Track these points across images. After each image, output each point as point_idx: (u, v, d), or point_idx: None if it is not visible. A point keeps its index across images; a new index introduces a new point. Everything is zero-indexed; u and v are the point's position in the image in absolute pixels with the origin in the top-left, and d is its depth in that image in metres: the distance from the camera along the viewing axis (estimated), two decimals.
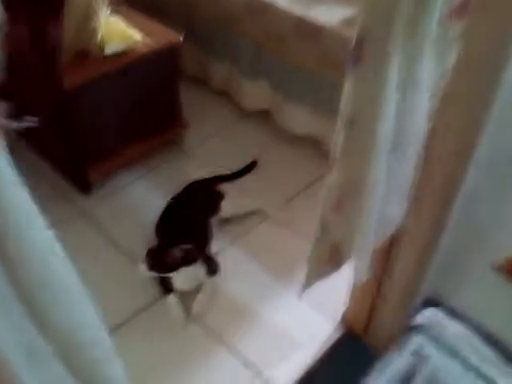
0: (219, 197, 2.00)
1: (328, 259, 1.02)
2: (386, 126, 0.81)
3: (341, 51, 1.90)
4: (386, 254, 1.32)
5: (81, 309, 0.74)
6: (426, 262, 1.36)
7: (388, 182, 0.89)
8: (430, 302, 1.69)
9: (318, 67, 2.04)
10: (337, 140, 0.88)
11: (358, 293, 1.57)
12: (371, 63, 0.77)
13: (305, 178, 2.18)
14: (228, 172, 2.16)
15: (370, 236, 0.94)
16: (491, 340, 1.55)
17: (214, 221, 1.94)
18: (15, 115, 0.74)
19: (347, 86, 0.82)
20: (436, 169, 1.00)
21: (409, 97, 0.83)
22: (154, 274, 1.68)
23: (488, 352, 1.55)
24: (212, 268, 1.78)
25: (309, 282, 1.09)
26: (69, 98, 1.81)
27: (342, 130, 0.87)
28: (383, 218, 0.95)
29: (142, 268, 1.64)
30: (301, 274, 1.82)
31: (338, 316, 1.71)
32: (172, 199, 1.98)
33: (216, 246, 1.91)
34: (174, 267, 1.65)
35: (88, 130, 1.96)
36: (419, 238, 1.24)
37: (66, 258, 0.73)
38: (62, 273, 0.72)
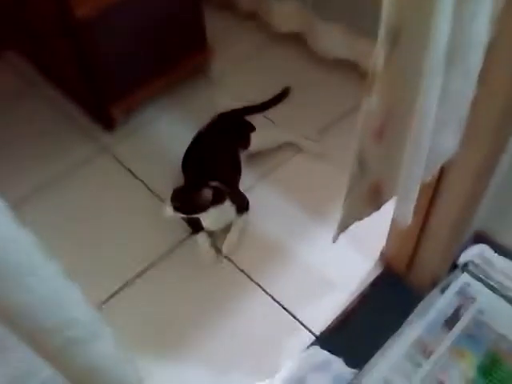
0: (249, 128, 1.86)
1: (367, 199, 0.89)
2: (440, 35, 0.65)
3: None
4: (433, 186, 1.18)
5: (48, 283, 0.63)
6: (478, 195, 1.22)
7: (442, 106, 0.74)
8: (478, 238, 1.56)
9: None
10: (378, 53, 0.72)
11: (399, 228, 1.44)
12: None
13: (341, 106, 2.02)
14: (258, 102, 2.01)
15: (417, 171, 0.80)
16: None
17: (243, 155, 1.82)
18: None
19: None
20: (496, 85, 0.84)
21: None
22: (180, 215, 1.59)
23: None
24: (241, 206, 1.68)
25: (344, 224, 0.97)
26: (83, 27, 1.67)
27: (385, 41, 0.71)
28: (434, 149, 0.80)
29: (168, 211, 1.55)
30: (336, 211, 1.73)
31: (377, 254, 1.60)
32: (199, 133, 1.85)
33: (245, 182, 1.80)
34: (202, 208, 1.55)
35: (107, 63, 1.83)
36: (472, 167, 1.09)
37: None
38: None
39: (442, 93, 0.72)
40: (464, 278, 1.51)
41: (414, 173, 0.80)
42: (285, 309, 1.53)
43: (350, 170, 0.87)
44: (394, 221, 1.46)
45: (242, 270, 1.61)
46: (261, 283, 1.57)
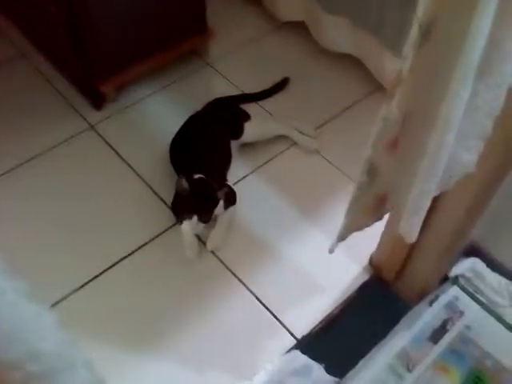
0: (243, 117, 1.78)
1: (371, 209, 0.83)
2: (479, 34, 0.58)
3: None
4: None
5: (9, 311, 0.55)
6: (477, 210, 1.17)
7: (465, 118, 0.68)
8: (472, 251, 1.52)
9: None
10: (406, 56, 0.66)
11: (392, 236, 1.39)
12: None
13: (340, 101, 1.96)
14: (256, 90, 1.94)
15: (431, 187, 0.74)
16: None
17: (234, 144, 1.75)
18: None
19: None
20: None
21: None
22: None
23: None
24: (228, 200, 1.61)
25: (345, 233, 0.92)
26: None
27: (415, 38, 0.64)
28: (450, 164, 0.74)
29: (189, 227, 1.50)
30: (327, 211, 1.69)
31: (367, 259, 1.55)
32: (190, 117, 1.77)
33: (236, 173, 1.73)
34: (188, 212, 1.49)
35: (100, 35, 1.73)
36: (477, 181, 1.03)
37: None
38: None
39: (467, 104, 0.66)
40: (453, 291, 1.48)
41: (427, 189, 0.74)
42: (267, 309, 1.47)
43: (358, 180, 0.81)
44: (386, 228, 1.41)
45: (226, 266, 1.54)
46: (244, 281, 1.51)
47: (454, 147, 0.71)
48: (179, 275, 1.52)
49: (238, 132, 1.75)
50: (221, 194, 1.52)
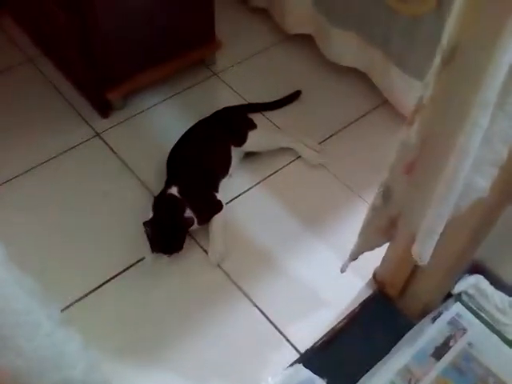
0: (249, 125, 1.78)
1: (383, 231, 0.84)
2: (505, 58, 0.58)
3: None
4: None
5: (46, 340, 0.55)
6: (483, 232, 1.17)
7: (482, 145, 0.68)
8: (476, 268, 1.53)
9: None
10: (428, 81, 0.66)
11: (397, 252, 1.39)
12: None
13: (345, 115, 1.97)
14: (261, 102, 1.95)
15: (445, 212, 0.74)
16: None
17: (237, 152, 1.74)
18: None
19: None
20: None
21: None
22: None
23: None
24: (203, 213, 1.58)
25: (357, 252, 0.92)
26: (87, 0, 1.59)
27: (437, 66, 0.65)
28: (467, 189, 0.75)
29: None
30: (330, 225, 1.69)
31: (371, 275, 1.55)
32: (195, 124, 1.77)
33: (239, 185, 1.74)
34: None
35: (108, 42, 1.74)
36: (483, 203, 1.04)
37: None
38: None
39: (487, 129, 0.66)
40: (456, 307, 1.48)
41: (442, 213, 0.75)
42: (271, 322, 1.47)
43: (372, 202, 0.81)
44: (391, 244, 1.41)
45: (230, 278, 1.54)
46: (249, 293, 1.51)
47: (470, 173, 0.72)
48: (183, 287, 1.52)
49: (241, 139, 1.74)
50: (189, 218, 1.52)
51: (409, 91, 1.75)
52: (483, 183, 0.77)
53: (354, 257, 0.95)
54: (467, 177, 0.72)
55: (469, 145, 0.66)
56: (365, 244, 0.90)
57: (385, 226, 0.85)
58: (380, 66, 1.88)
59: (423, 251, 0.82)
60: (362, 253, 0.94)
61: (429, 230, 0.78)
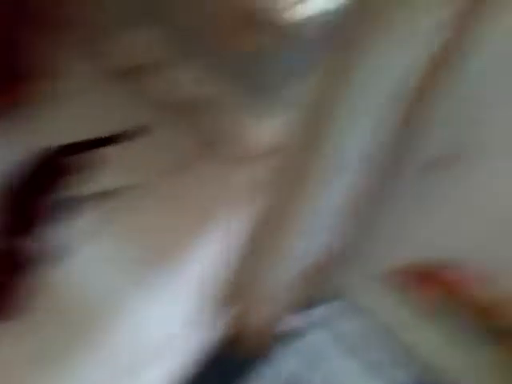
0: (63, 171, 1.63)
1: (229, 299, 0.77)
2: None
3: None
4: None
5: None
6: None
7: (323, 207, 0.66)
8: (329, 296, 1.48)
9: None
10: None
11: (232, 289, 1.28)
12: None
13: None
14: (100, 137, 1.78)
15: (285, 275, 0.70)
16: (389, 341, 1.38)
17: (52, 202, 1.58)
18: None
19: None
20: None
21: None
22: None
23: (385, 354, 1.38)
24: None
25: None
26: None
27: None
28: (307, 251, 0.72)
29: None
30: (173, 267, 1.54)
31: (209, 319, 1.42)
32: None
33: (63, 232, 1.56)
34: None
35: None
36: None
37: None
38: None
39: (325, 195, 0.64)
40: (313, 337, 1.42)
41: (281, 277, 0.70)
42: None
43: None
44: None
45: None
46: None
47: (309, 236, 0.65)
48: None
49: (49, 187, 1.58)
50: None
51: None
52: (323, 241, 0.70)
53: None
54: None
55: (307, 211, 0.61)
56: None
57: (231, 295, 0.76)
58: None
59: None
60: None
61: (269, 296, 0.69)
